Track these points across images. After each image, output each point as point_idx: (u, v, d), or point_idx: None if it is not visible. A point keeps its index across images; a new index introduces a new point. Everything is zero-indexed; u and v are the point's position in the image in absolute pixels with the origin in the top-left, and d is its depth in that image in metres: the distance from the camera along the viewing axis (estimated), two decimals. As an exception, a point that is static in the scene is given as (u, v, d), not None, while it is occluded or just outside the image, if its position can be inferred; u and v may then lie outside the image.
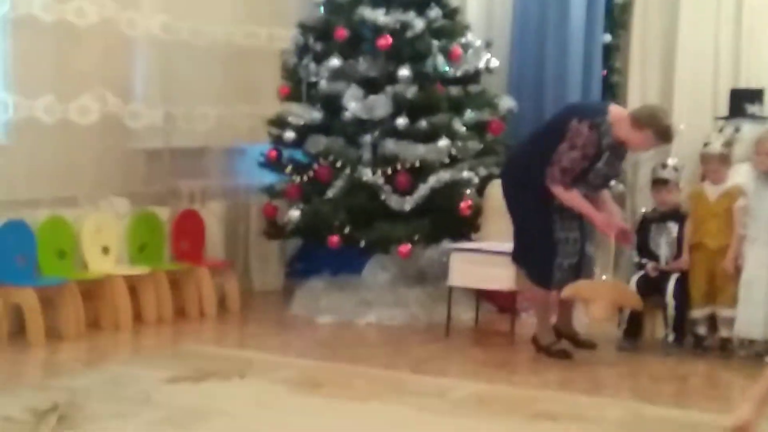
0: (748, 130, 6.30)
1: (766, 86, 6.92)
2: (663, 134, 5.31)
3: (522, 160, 5.63)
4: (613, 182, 6.07)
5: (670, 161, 6.15)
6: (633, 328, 5.63)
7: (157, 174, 6.75)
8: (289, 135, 6.45)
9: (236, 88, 7.16)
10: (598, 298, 5.42)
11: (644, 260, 5.79)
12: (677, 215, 5.72)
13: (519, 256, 5.57)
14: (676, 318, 5.50)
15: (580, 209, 5.32)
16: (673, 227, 5.69)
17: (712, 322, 5.50)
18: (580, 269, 5.45)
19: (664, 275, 5.62)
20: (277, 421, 4.11)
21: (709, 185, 5.61)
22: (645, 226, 5.83)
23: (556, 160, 5.21)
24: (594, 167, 5.27)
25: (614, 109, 5.50)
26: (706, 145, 5.99)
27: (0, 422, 3.90)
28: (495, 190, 6.22)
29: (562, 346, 5.63)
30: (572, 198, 5.27)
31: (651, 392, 4.86)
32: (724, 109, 6.96)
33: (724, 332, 5.50)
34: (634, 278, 5.77)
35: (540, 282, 5.40)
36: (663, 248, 5.66)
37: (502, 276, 5.70)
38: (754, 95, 6.80)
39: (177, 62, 6.77)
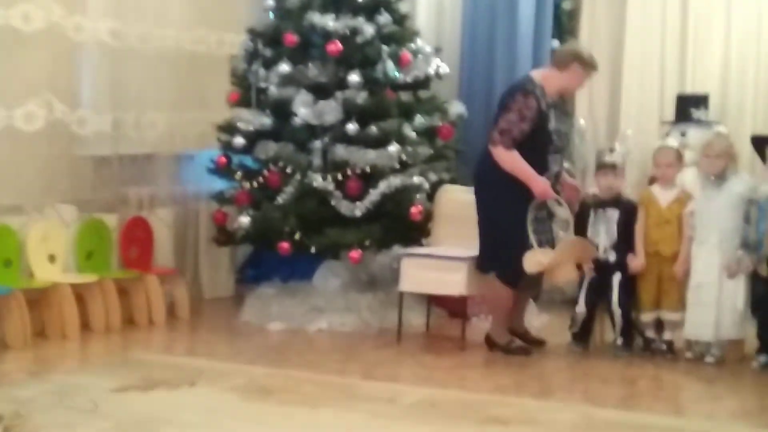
0: (694, 134, 6.35)
1: (711, 92, 7.00)
2: (587, 62, 5.49)
3: (483, 157, 5.63)
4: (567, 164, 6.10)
5: (618, 146, 6.41)
6: (583, 332, 5.67)
7: (105, 181, 6.69)
8: (239, 141, 6.42)
9: (185, 94, 7.09)
10: (561, 263, 5.42)
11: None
12: (618, 203, 5.64)
13: (487, 258, 5.55)
14: (624, 323, 5.53)
15: (519, 171, 5.34)
16: (614, 214, 5.59)
17: (659, 324, 5.53)
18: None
19: (609, 271, 5.51)
20: (227, 430, 4.06)
21: (660, 189, 5.59)
22: (584, 213, 5.73)
23: (495, 125, 5.34)
24: (548, 128, 5.37)
25: (536, 72, 5.75)
26: (660, 146, 5.95)
27: None
28: (446, 195, 6.31)
29: (520, 343, 5.67)
30: (512, 158, 5.30)
31: (601, 395, 4.86)
32: (670, 114, 7.03)
33: (669, 335, 5.58)
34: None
35: (510, 280, 5.41)
36: (602, 236, 5.55)
37: (453, 281, 5.70)
38: (700, 100, 6.89)
39: (125, 68, 6.72)
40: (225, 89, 6.74)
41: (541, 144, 5.44)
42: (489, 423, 4.15)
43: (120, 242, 6.50)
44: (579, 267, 5.61)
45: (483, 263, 5.57)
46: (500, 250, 5.42)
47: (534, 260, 5.36)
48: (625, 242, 5.60)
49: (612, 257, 5.55)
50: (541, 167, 5.43)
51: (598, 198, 5.73)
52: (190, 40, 7.03)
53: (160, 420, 4.09)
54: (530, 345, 5.73)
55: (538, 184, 5.37)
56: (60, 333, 5.77)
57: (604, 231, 5.54)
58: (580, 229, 5.71)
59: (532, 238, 5.39)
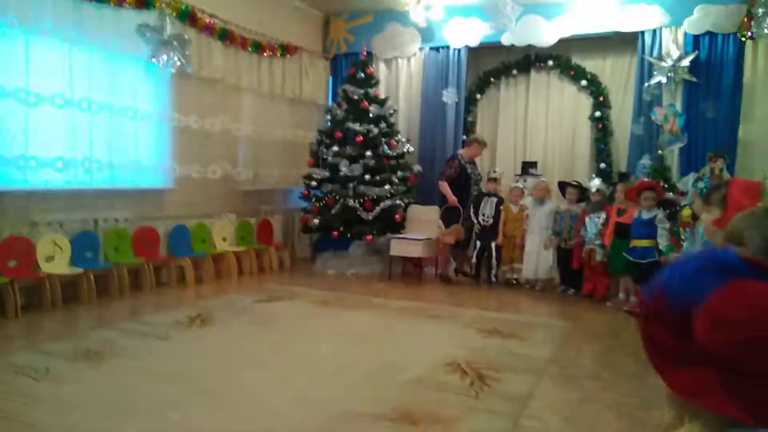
0: (530, 180, 7.17)
1: (539, 159, 7.85)
2: (481, 142, 6.96)
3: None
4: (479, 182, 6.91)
5: (498, 169, 7.18)
6: (476, 273, 6.70)
7: (249, 202, 7.50)
8: (313, 183, 7.28)
9: (289, 160, 7.98)
10: (449, 235, 6.70)
11: (479, 217, 6.64)
12: (495, 196, 6.65)
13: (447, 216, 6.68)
14: (495, 268, 6.61)
15: (445, 192, 6.73)
16: (493, 200, 6.62)
17: (512, 270, 6.58)
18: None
19: (488, 236, 6.56)
20: (308, 320, 4.92)
21: (512, 205, 6.61)
22: (479, 199, 6.69)
23: (441, 173, 6.72)
24: (469, 173, 6.83)
25: (460, 151, 7.01)
26: (513, 185, 6.89)
27: (171, 324, 4.50)
28: (412, 210, 7.32)
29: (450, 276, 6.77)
30: (443, 186, 6.72)
31: (485, 304, 5.71)
32: (518, 170, 7.87)
33: (517, 275, 6.59)
34: (475, 228, 6.65)
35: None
36: (487, 210, 6.60)
37: (415, 250, 6.75)
38: (533, 164, 7.77)
39: (260, 148, 7.56)
40: (306, 158, 7.56)
41: (464, 181, 6.80)
42: (431, 318, 5.01)
43: (256, 231, 7.40)
44: (457, 240, 6.67)
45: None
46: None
47: (444, 233, 6.66)
48: (496, 215, 6.55)
49: (490, 222, 6.55)
50: (463, 192, 6.76)
51: (486, 193, 6.70)
52: (291, 134, 8.12)
53: (276, 316, 4.92)
54: (464, 276, 6.72)
55: (450, 197, 6.67)
56: (228, 275, 6.65)
57: (488, 208, 6.61)
58: (476, 208, 6.65)
59: (442, 225, 6.71)
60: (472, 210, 6.65)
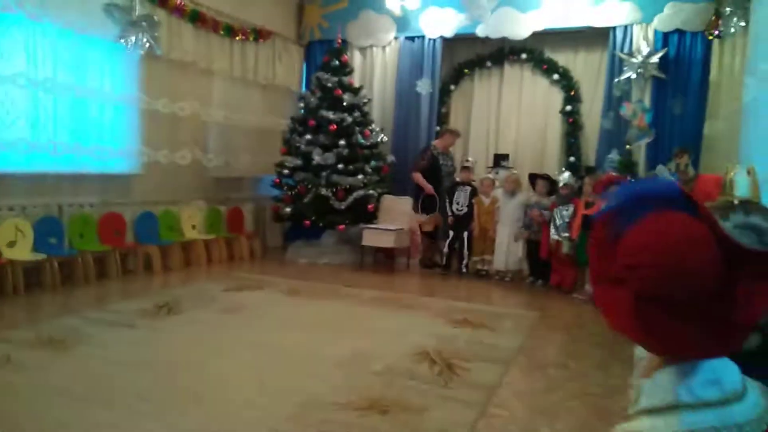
0: (501, 173, 7.13)
1: (510, 152, 7.85)
2: (453, 132, 7.08)
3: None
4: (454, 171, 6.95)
5: (471, 158, 7.28)
6: (447, 263, 6.77)
7: (219, 189, 7.43)
8: (286, 171, 7.20)
9: (260, 148, 7.85)
10: (428, 223, 6.85)
11: (453, 206, 6.72)
12: (469, 185, 6.73)
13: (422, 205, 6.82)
14: (467, 260, 6.67)
15: (419, 181, 6.87)
16: (467, 189, 6.70)
17: (483, 261, 6.63)
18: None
19: (461, 225, 6.60)
20: (278, 310, 4.89)
21: (484, 197, 6.63)
22: (453, 188, 6.77)
23: (414, 163, 6.81)
24: (441, 164, 6.88)
25: (434, 142, 7.08)
26: (484, 176, 6.92)
27: (138, 312, 4.49)
28: (384, 200, 7.29)
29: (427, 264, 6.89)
30: (417, 177, 6.88)
31: (456, 295, 5.73)
32: (490, 162, 7.81)
33: (487, 267, 6.64)
34: (449, 217, 6.74)
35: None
36: (461, 199, 6.68)
37: (387, 239, 6.79)
38: (504, 156, 7.76)
39: (231, 134, 7.49)
40: (279, 146, 7.48)
41: (436, 172, 6.88)
42: (402, 308, 5.07)
43: (226, 220, 7.34)
44: (436, 226, 6.85)
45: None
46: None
47: (422, 222, 6.76)
48: (470, 205, 6.62)
49: (464, 210, 6.61)
50: (435, 183, 6.83)
51: (461, 182, 6.78)
52: (263, 121, 8.00)
53: (245, 305, 4.87)
54: (436, 267, 6.86)
55: (426, 187, 6.81)
56: (196, 264, 6.63)
57: (462, 197, 6.68)
58: (451, 197, 6.73)
59: (420, 214, 6.76)
60: (447, 200, 6.74)
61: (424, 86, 7.89)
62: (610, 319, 0.85)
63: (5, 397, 2.87)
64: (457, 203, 6.63)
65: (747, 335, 0.77)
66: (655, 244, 0.77)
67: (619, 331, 0.84)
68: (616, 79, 6.85)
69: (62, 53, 5.36)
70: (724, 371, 0.84)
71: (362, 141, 7.10)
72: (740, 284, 0.78)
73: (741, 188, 1.43)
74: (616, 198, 0.83)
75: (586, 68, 7.66)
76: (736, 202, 1.37)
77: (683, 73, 6.64)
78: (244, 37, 7.43)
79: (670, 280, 0.77)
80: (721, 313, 0.78)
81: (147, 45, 5.85)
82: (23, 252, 5.05)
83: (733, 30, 5.35)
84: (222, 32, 7.10)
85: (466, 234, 6.51)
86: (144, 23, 5.79)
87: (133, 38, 5.74)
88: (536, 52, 7.73)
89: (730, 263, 0.79)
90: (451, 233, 6.65)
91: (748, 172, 1.43)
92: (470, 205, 6.55)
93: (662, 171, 5.23)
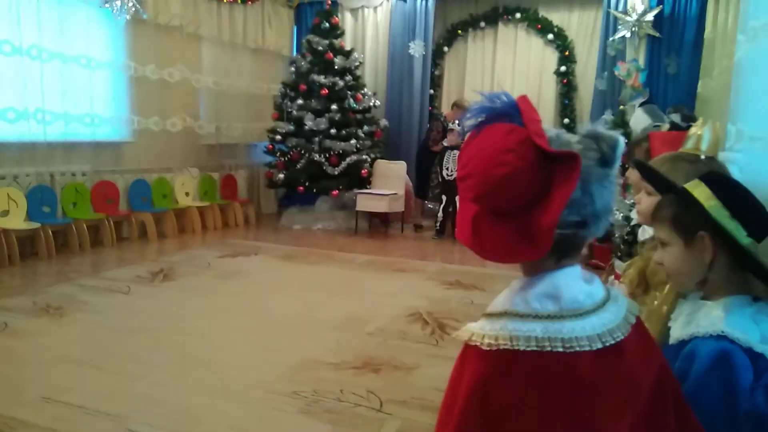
0: None
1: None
2: (459, 105, 6.88)
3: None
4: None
5: (457, 120, 6.79)
6: (440, 228, 6.80)
7: (212, 156, 7.48)
8: (278, 137, 7.19)
9: (252, 114, 7.85)
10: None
11: (444, 171, 6.73)
12: (458, 148, 6.36)
13: (419, 189, 6.93)
14: None
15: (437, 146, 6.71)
16: (455, 153, 6.53)
17: None
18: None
19: (453, 190, 6.46)
20: (273, 275, 4.96)
21: None
22: (445, 153, 6.76)
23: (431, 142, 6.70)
24: (453, 131, 6.59)
25: (446, 113, 7.00)
26: None
27: (133, 279, 4.59)
28: (378, 164, 7.29)
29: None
30: (438, 149, 6.75)
31: (449, 258, 5.83)
32: None
33: None
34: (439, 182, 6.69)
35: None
36: (450, 165, 6.68)
37: (381, 205, 6.80)
38: None
39: (222, 101, 7.45)
40: (270, 111, 7.44)
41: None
42: (397, 271, 5.14)
43: (220, 187, 7.38)
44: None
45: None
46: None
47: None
48: None
49: (453, 176, 6.41)
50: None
51: (450, 146, 6.75)
52: (254, 87, 7.93)
53: (240, 271, 4.94)
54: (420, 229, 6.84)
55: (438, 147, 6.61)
56: (191, 231, 6.71)
57: (451, 162, 6.61)
58: (444, 161, 6.65)
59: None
60: (437, 164, 6.72)
61: (417, 48, 7.82)
62: (456, 230, 0.89)
63: (4, 362, 2.92)
64: (447, 168, 6.61)
65: (549, 236, 0.78)
66: (476, 155, 0.81)
67: (460, 241, 0.88)
68: (610, 38, 6.81)
69: (47, 19, 5.31)
70: (567, 287, 0.86)
71: (354, 105, 7.06)
72: (551, 187, 0.80)
73: (704, 142, 1.50)
74: (471, 116, 0.86)
75: (581, 28, 7.59)
76: (702, 157, 1.42)
77: (678, 32, 6.60)
78: (231, 0, 7.27)
79: (488, 187, 0.80)
80: (532, 217, 0.80)
81: (132, 9, 5.78)
82: (17, 221, 5.08)
83: (728, -14, 5.26)
84: (209, -6, 6.85)
85: (458, 198, 6.45)
86: (129, -14, 5.56)
87: (119, 2, 5.68)
88: (530, 11, 7.65)
89: (549, 170, 0.80)
90: (444, 198, 6.67)
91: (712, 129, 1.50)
92: None
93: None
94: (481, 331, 0.84)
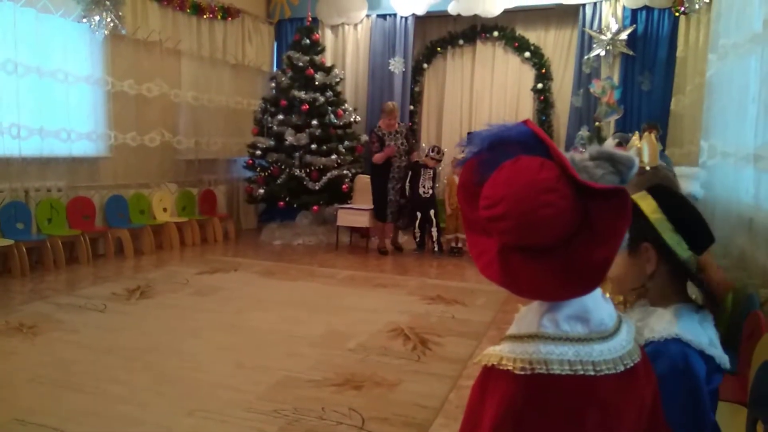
0: None
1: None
2: (383, 110, 6.63)
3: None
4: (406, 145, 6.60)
5: (442, 149, 7.01)
6: (419, 243, 6.80)
7: (191, 171, 7.40)
8: (258, 152, 7.15)
9: (231, 129, 7.83)
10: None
11: (420, 190, 6.62)
12: (434, 169, 6.74)
13: (377, 211, 6.59)
14: (438, 239, 6.69)
15: (380, 158, 6.52)
16: (430, 173, 6.72)
17: (456, 240, 6.69)
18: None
19: (428, 206, 6.55)
20: (253, 291, 4.90)
21: (456, 177, 6.18)
22: (417, 170, 6.66)
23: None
24: (386, 145, 6.47)
25: (379, 122, 6.64)
26: (454, 159, 6.84)
27: (109, 296, 4.52)
28: (358, 180, 7.21)
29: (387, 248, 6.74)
30: (376, 157, 6.53)
31: (429, 273, 5.83)
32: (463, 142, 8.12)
33: (460, 245, 6.70)
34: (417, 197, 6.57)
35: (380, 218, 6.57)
36: (426, 183, 6.67)
37: (362, 220, 6.79)
38: None
39: (201, 116, 7.40)
40: (250, 127, 7.39)
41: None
42: (377, 287, 5.13)
43: (199, 202, 7.30)
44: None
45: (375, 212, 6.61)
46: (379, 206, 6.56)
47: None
48: (433, 186, 6.59)
49: (429, 194, 6.57)
50: (388, 164, 6.63)
51: (423, 165, 6.73)
52: (234, 102, 7.91)
53: (219, 288, 4.87)
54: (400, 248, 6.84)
55: (387, 152, 6.47)
56: (169, 247, 6.60)
57: (428, 181, 6.66)
58: (415, 181, 6.63)
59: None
60: (408, 182, 6.64)
61: (397, 65, 7.87)
62: (479, 266, 0.87)
63: (-25, 383, 2.77)
64: (423, 186, 6.57)
65: (604, 273, 0.77)
66: (508, 196, 0.79)
67: (488, 278, 0.86)
68: (585, 56, 6.95)
69: (23, 33, 5.25)
70: (595, 310, 0.85)
71: (335, 121, 7.06)
72: (595, 221, 0.78)
73: (645, 154, 1.59)
74: (475, 144, 0.84)
75: (557, 46, 7.73)
76: (647, 168, 1.49)
77: (651, 50, 6.76)
78: (211, 15, 7.31)
79: (525, 229, 0.78)
80: (578, 253, 0.78)
81: (111, 24, 5.75)
82: (-11, 238, 4.83)
83: (697, 6, 5.45)
84: (189, 10, 6.99)
85: (432, 212, 6.54)
86: (108, 2, 5.68)
87: (97, 17, 5.63)
88: (508, 30, 7.77)
89: (585, 202, 0.79)
90: (418, 214, 6.64)
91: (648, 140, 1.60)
92: (434, 187, 6.62)
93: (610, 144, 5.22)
94: (512, 354, 0.82)
